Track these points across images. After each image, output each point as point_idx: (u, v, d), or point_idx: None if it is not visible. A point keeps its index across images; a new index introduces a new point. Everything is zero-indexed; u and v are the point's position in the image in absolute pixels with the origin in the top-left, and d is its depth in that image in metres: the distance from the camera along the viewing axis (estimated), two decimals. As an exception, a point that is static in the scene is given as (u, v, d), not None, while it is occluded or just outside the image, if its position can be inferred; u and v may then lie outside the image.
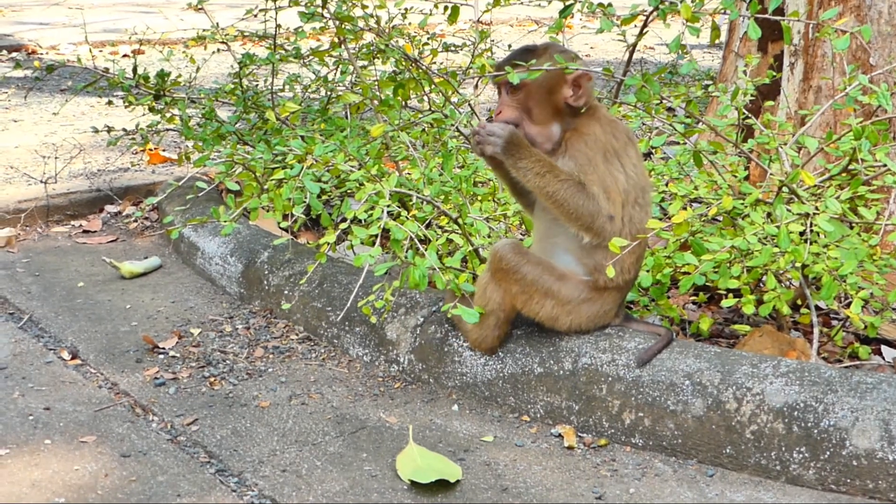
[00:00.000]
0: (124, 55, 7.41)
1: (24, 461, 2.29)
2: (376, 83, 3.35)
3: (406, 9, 4.20)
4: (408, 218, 2.64)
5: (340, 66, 4.08)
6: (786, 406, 2.25)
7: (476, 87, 4.01)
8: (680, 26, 2.95)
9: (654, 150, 4.11)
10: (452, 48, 4.48)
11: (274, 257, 3.18)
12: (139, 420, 2.50)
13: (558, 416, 2.52)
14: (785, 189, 2.73)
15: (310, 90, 4.28)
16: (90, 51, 4.72)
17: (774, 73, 3.44)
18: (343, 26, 3.48)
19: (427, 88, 3.28)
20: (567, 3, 3.10)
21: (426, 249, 2.57)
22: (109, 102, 4.14)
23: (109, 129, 3.99)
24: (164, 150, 4.60)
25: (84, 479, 2.23)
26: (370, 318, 2.65)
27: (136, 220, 3.93)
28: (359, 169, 3.12)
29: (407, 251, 2.58)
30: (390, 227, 2.54)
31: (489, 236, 3.05)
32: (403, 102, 3.25)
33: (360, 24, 3.65)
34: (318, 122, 3.87)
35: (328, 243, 3.05)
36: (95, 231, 3.86)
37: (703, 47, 8.08)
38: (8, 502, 2.14)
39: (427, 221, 3.14)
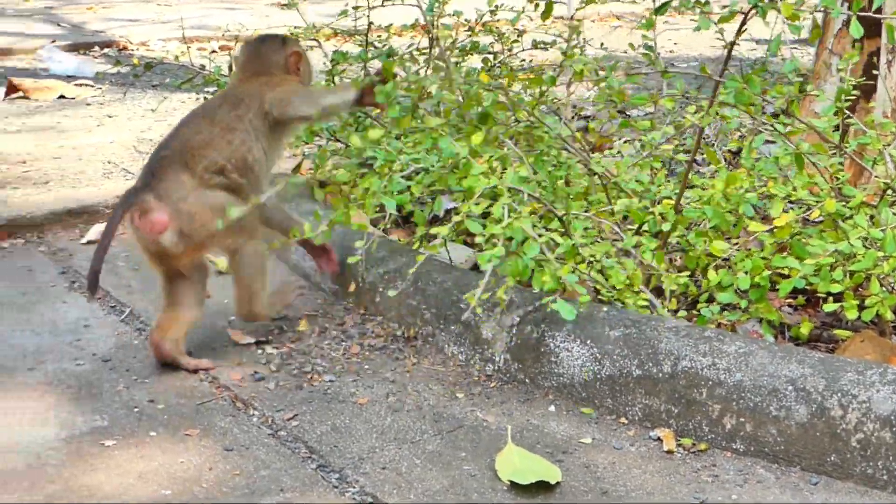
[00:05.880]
0: (212, 51, 7.51)
1: (131, 453, 2.34)
2: (460, 102, 3.34)
3: (497, 6, 4.20)
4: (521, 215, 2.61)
5: (431, 63, 4.08)
6: (893, 415, 2.21)
7: (568, 85, 3.99)
8: (778, 23, 2.90)
9: (743, 150, 4.06)
10: (541, 45, 4.46)
11: (368, 255, 3.19)
12: (240, 414, 2.54)
13: (657, 420, 2.50)
14: (890, 191, 2.68)
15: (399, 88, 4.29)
16: (188, 48, 4.78)
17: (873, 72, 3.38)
18: (436, 34, 3.49)
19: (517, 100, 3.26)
20: (662, 2, 3.07)
21: (531, 246, 2.55)
22: (205, 99, 4.19)
23: (204, 126, 4.03)
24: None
25: (189, 472, 2.27)
26: (475, 309, 2.64)
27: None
28: (452, 168, 3.12)
29: (522, 244, 2.55)
30: (513, 229, 2.50)
31: (585, 232, 3.03)
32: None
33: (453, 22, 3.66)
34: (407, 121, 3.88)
35: (422, 239, 3.06)
36: (190, 226, 3.91)
37: (787, 43, 7.94)
38: (116, 493, 2.18)
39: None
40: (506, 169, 2.90)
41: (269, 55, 2.98)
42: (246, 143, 2.82)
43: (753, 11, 2.90)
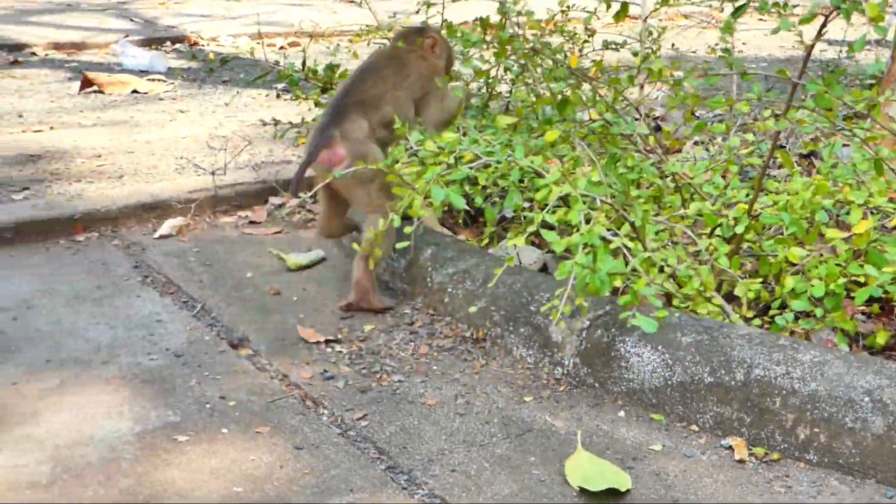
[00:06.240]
0: (281, 47, 7.57)
1: (203, 449, 2.37)
2: (533, 99, 3.33)
3: (568, 6, 4.17)
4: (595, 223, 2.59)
5: (502, 64, 4.07)
6: (975, 429, 2.16)
7: (641, 88, 3.96)
8: (853, 24, 2.85)
9: (815, 153, 4.00)
10: (612, 46, 4.43)
11: (437, 254, 3.20)
12: (310, 413, 2.55)
13: (728, 428, 2.47)
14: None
15: (469, 87, 4.29)
16: (259, 43, 4.82)
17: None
18: (505, 48, 3.50)
19: (593, 97, 3.25)
20: (740, 4, 3.03)
21: (605, 261, 2.53)
22: (278, 96, 4.23)
23: (276, 122, 4.07)
24: (324, 143, 4.68)
25: (260, 469, 2.29)
26: (558, 323, 2.64)
27: (298, 213, 4.01)
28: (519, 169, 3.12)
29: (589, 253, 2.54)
30: (592, 235, 2.49)
31: (656, 235, 3.01)
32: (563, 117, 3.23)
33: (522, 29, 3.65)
34: (477, 119, 3.88)
35: (491, 239, 3.04)
36: (260, 222, 3.95)
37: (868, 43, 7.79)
38: (189, 489, 2.21)
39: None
40: (575, 171, 2.88)
41: (414, 39, 3.47)
42: (407, 103, 3.31)
43: (835, 13, 2.86)
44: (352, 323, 3.05)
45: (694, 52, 7.13)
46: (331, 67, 3.96)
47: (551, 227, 2.93)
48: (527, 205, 3.62)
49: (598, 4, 3.66)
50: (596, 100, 3.20)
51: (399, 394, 2.64)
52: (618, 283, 2.65)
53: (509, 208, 3.45)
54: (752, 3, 2.91)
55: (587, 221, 2.59)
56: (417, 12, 4.22)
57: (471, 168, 2.85)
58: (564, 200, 3.21)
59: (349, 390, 2.65)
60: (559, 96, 3.23)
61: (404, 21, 4.49)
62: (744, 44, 7.90)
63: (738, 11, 3.07)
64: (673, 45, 4.51)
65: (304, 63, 3.97)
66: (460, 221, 3.64)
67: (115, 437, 2.40)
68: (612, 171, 3.17)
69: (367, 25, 4.32)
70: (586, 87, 3.35)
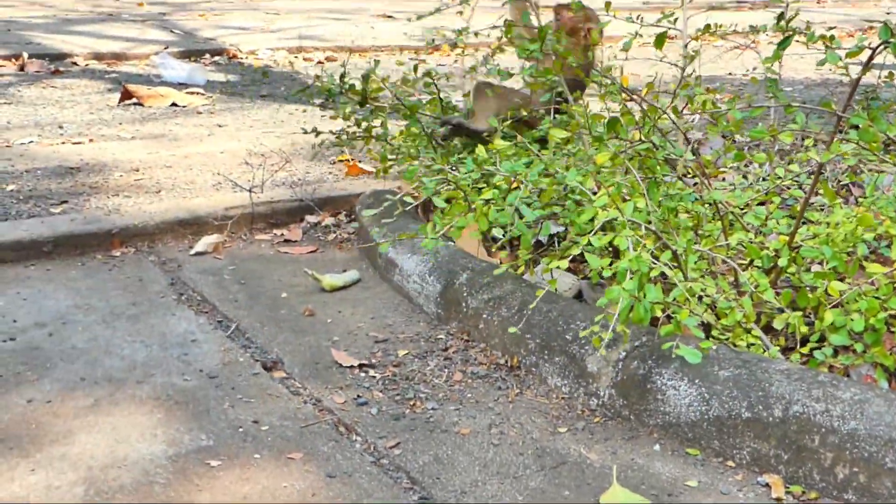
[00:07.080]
0: (318, 62, 7.60)
1: (236, 474, 2.36)
2: (588, 115, 3.32)
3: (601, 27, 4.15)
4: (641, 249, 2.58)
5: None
6: None
7: (679, 115, 3.92)
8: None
9: (855, 183, 3.95)
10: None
11: (473, 279, 3.19)
12: (343, 439, 2.54)
13: (765, 465, 2.44)
14: None
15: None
16: (297, 56, 4.84)
17: None
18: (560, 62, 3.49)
19: (643, 118, 3.24)
20: (786, 35, 3.01)
21: (649, 289, 2.52)
22: (324, 113, 4.22)
23: (317, 132, 4.08)
24: (360, 162, 4.69)
25: (292, 497, 2.28)
26: (600, 350, 2.62)
27: (335, 233, 4.01)
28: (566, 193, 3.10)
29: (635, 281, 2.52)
30: (634, 262, 2.48)
31: (695, 264, 2.98)
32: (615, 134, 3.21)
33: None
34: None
35: (527, 265, 3.01)
36: (296, 241, 3.95)
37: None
38: (221, 515, 2.21)
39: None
40: (620, 196, 2.86)
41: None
42: None
43: (883, 47, 2.83)
44: (385, 347, 3.04)
45: (730, 74, 7.09)
46: (368, 74, 3.97)
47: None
48: (560, 229, 3.61)
49: (636, 29, 3.65)
50: (645, 121, 3.19)
51: (433, 422, 2.63)
52: (657, 313, 2.63)
53: (543, 236, 3.43)
54: (798, 36, 2.88)
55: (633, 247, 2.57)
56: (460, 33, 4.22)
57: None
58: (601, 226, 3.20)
59: (382, 417, 2.64)
60: (610, 114, 3.22)
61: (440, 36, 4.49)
62: (780, 66, 7.82)
63: (784, 43, 3.05)
64: (696, 70, 4.48)
65: (342, 76, 3.98)
66: (493, 248, 3.63)
67: (148, 460, 2.40)
68: (654, 198, 3.14)
69: (403, 45, 4.32)
70: (635, 107, 3.34)
